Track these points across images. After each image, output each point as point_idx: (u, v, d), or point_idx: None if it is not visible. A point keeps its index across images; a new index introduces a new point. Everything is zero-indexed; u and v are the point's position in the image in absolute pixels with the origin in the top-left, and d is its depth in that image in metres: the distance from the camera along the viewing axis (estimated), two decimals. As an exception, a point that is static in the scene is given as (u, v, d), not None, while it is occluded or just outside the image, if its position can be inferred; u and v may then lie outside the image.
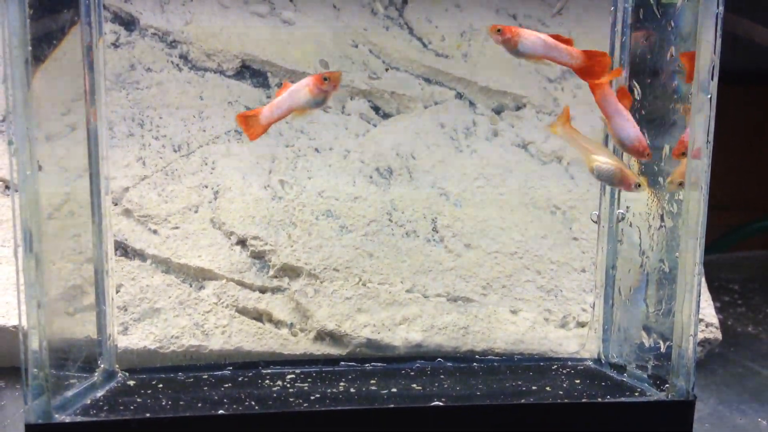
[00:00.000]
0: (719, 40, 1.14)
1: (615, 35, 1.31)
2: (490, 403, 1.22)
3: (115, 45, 1.39)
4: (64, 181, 1.19)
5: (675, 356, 1.21)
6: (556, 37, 1.20)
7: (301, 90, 1.19)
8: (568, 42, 1.20)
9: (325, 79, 1.19)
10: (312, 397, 1.22)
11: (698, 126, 1.16)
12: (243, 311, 1.39)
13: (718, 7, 1.14)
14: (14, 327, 1.31)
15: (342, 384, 1.28)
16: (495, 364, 1.39)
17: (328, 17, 1.43)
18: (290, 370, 1.33)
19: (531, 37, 1.18)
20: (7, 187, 1.44)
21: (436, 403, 1.20)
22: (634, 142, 1.22)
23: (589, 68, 1.22)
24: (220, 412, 1.16)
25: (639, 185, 1.23)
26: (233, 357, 1.37)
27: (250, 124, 1.22)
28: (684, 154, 1.20)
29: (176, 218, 1.39)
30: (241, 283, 1.40)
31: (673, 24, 1.22)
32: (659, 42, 1.25)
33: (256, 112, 1.21)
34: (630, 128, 1.22)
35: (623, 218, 1.34)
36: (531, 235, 1.46)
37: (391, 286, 1.42)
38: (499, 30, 1.17)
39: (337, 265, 1.41)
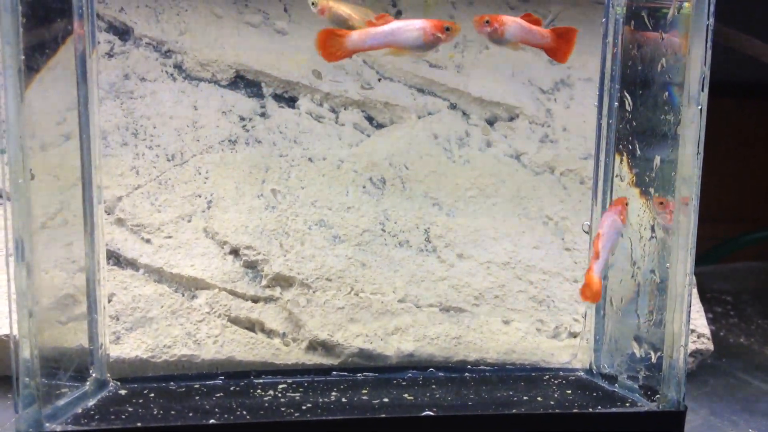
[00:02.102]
0: (710, 52, 1.15)
1: (606, 46, 1.31)
2: (481, 413, 1.22)
3: (110, 54, 1.39)
4: (57, 190, 1.19)
5: (666, 367, 1.21)
6: (527, 17, 1.21)
7: (412, 30, 1.16)
8: (537, 22, 1.21)
9: (447, 29, 1.16)
10: (304, 407, 1.22)
11: (689, 138, 1.17)
12: (235, 321, 1.39)
13: (708, 19, 1.14)
14: (5, 336, 1.31)
15: (334, 394, 1.28)
16: (487, 374, 1.39)
17: (322, 27, 1.43)
18: (282, 380, 1.33)
19: (513, 24, 1.19)
20: None
21: (428, 413, 1.20)
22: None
23: (559, 47, 1.22)
24: (212, 421, 1.16)
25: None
26: (225, 366, 1.37)
27: (331, 44, 1.15)
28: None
29: (169, 227, 1.39)
30: (233, 293, 1.40)
31: (664, 35, 1.23)
32: (650, 53, 1.25)
33: (343, 32, 1.16)
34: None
35: (615, 229, 1.34)
36: (523, 246, 1.46)
37: (384, 295, 1.42)
38: (487, 21, 1.17)
39: (330, 274, 1.41)
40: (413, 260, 1.43)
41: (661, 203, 1.24)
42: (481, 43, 1.45)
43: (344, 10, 1.15)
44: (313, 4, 1.16)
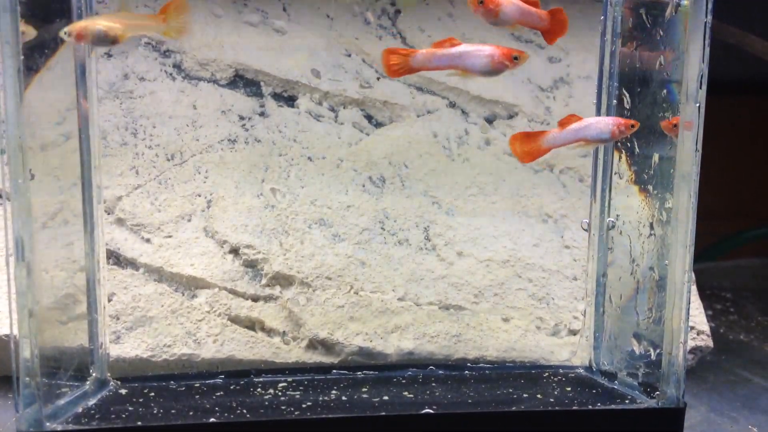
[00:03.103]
0: (708, 49, 1.15)
1: (605, 44, 1.32)
2: (481, 410, 1.22)
3: (109, 54, 1.39)
4: (57, 189, 1.19)
5: (665, 364, 1.22)
6: (526, 0, 1.19)
7: (481, 56, 1.17)
8: (535, 4, 1.19)
9: (515, 57, 1.17)
10: (304, 405, 1.23)
11: (687, 135, 1.17)
12: (235, 320, 1.39)
13: (706, 16, 1.15)
14: (6, 336, 1.31)
15: (334, 392, 1.28)
16: (487, 371, 1.39)
17: (320, 26, 1.43)
18: (282, 379, 1.33)
19: (510, 4, 1.16)
20: None
21: (428, 410, 1.20)
22: None
23: (553, 28, 1.20)
24: (212, 420, 1.16)
25: None
26: (225, 365, 1.37)
27: (395, 61, 1.17)
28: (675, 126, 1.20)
29: (169, 227, 1.39)
30: (233, 292, 1.40)
31: (662, 33, 1.23)
32: (648, 50, 1.26)
33: (408, 51, 1.17)
34: None
35: (613, 226, 1.35)
36: (523, 244, 1.46)
37: (384, 294, 1.42)
38: (481, 1, 1.15)
39: (330, 273, 1.42)
40: (413, 258, 1.44)
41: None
42: (481, 41, 1.45)
43: (102, 23, 1.12)
44: (66, 33, 1.12)
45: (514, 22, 1.18)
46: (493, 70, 1.17)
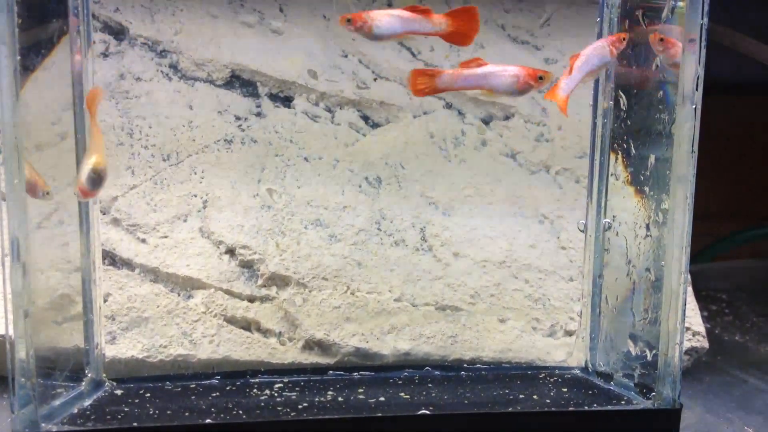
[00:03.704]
0: (704, 51, 1.16)
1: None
2: (477, 411, 1.22)
3: (105, 54, 1.39)
4: (53, 190, 1.19)
5: (661, 364, 1.22)
6: (413, 9, 1.16)
7: (506, 76, 1.17)
8: (426, 12, 1.16)
9: (540, 77, 1.17)
10: (300, 406, 1.23)
11: (683, 136, 1.17)
12: (231, 320, 1.39)
13: (702, 18, 1.15)
14: (1, 336, 1.31)
15: (330, 393, 1.28)
16: (483, 372, 1.39)
17: (317, 27, 1.43)
18: (278, 379, 1.34)
19: (385, 17, 1.14)
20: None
21: (424, 411, 1.20)
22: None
23: (459, 30, 1.17)
24: (208, 421, 1.16)
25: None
26: (221, 366, 1.37)
27: (421, 81, 1.18)
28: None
29: (165, 227, 1.39)
30: (229, 292, 1.40)
31: (659, 49, 1.23)
32: (645, 52, 1.26)
33: (434, 71, 1.18)
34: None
35: (610, 227, 1.35)
36: (519, 244, 1.46)
37: (380, 295, 1.42)
38: (349, 20, 1.13)
39: (326, 274, 1.42)
40: (409, 259, 1.44)
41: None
42: (476, 43, 1.46)
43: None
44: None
45: (400, 34, 1.16)
46: (519, 90, 1.17)
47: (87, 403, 1.22)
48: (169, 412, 1.20)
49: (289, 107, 1.44)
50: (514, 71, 1.17)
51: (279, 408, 1.22)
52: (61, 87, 1.21)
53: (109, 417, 1.17)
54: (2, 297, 1.11)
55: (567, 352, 1.43)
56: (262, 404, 1.23)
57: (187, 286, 1.39)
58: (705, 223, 1.48)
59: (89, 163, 1.14)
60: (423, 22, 1.16)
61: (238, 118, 1.42)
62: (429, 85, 1.19)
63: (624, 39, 1.20)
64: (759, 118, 2.29)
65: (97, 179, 1.14)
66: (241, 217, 1.40)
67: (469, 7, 1.19)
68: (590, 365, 1.39)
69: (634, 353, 1.29)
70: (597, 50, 1.20)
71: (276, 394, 1.28)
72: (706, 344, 1.48)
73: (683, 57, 1.16)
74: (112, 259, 1.38)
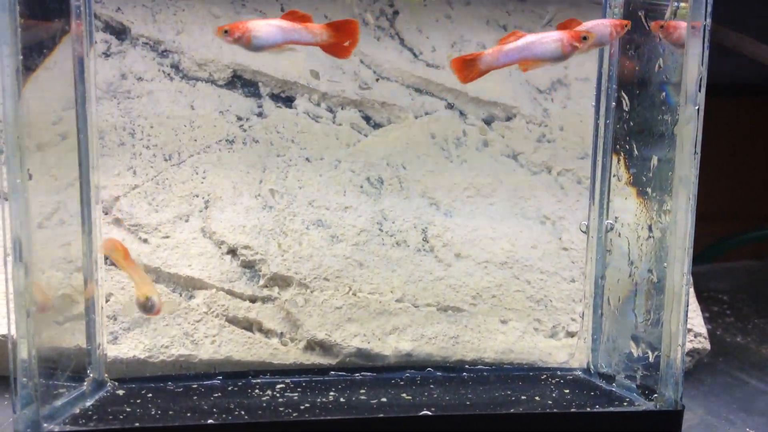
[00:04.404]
0: (707, 52, 1.16)
1: (603, 47, 1.32)
2: (479, 412, 1.22)
3: (106, 54, 1.39)
4: (55, 190, 1.19)
5: (663, 366, 1.22)
6: (292, 15, 1.13)
7: (549, 42, 1.15)
8: (306, 18, 1.14)
9: (584, 38, 1.15)
10: (302, 407, 1.23)
11: (686, 137, 1.17)
12: (233, 321, 1.39)
13: (705, 20, 1.15)
14: (3, 336, 1.31)
15: (332, 393, 1.28)
16: (485, 373, 1.39)
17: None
18: (280, 380, 1.33)
19: (264, 27, 1.11)
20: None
21: (426, 412, 1.20)
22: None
23: (338, 42, 1.15)
24: (210, 421, 1.16)
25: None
26: (223, 366, 1.37)
27: (465, 68, 1.17)
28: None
29: (166, 227, 1.39)
30: (231, 293, 1.40)
31: (661, 36, 1.23)
32: (647, 53, 1.26)
33: (475, 55, 1.16)
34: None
35: (612, 228, 1.35)
36: (521, 245, 1.46)
37: (382, 295, 1.42)
38: (226, 31, 1.10)
39: (328, 274, 1.41)
40: (411, 260, 1.44)
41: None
42: (478, 43, 1.46)
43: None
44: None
45: (280, 44, 1.13)
46: (564, 54, 1.15)
47: (89, 403, 1.22)
48: (171, 412, 1.20)
49: (290, 107, 1.44)
50: (556, 36, 1.16)
51: (281, 408, 1.22)
52: (63, 86, 1.21)
53: (111, 417, 1.17)
54: (4, 297, 1.11)
55: (569, 354, 1.43)
56: (264, 405, 1.23)
57: (188, 286, 1.39)
58: (705, 224, 1.48)
59: (140, 297, 1.22)
60: (303, 33, 1.14)
61: (239, 119, 1.42)
62: (473, 69, 1.17)
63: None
64: (760, 120, 2.29)
65: (150, 306, 1.21)
66: (242, 217, 1.40)
67: (350, 19, 1.17)
68: (592, 366, 1.39)
69: (636, 354, 1.29)
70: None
71: (278, 395, 1.27)
72: (707, 345, 1.48)
73: (686, 55, 1.16)
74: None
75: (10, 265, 1.08)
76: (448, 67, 1.45)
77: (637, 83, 1.28)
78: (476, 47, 1.45)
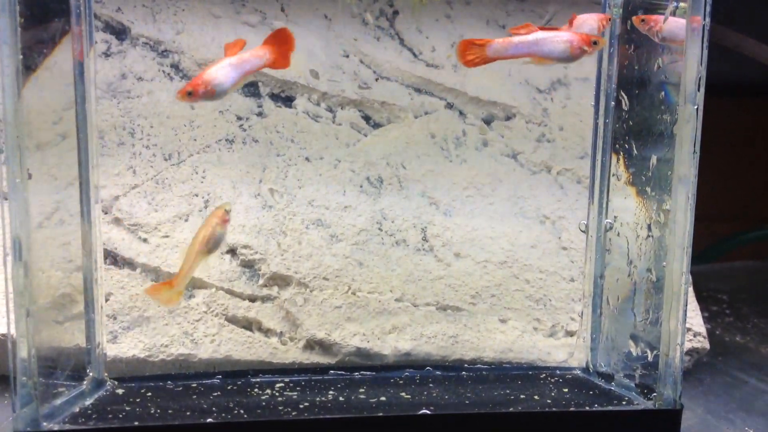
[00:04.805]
0: (706, 52, 1.16)
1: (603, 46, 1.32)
2: (478, 411, 1.22)
3: (106, 54, 1.39)
4: (54, 189, 1.19)
5: (662, 365, 1.22)
6: (231, 48, 1.13)
7: (559, 42, 1.15)
8: (239, 44, 1.13)
9: (594, 42, 1.16)
10: (301, 406, 1.23)
11: (685, 137, 1.17)
12: (232, 320, 1.39)
13: (704, 19, 1.15)
14: (3, 335, 1.31)
15: (331, 392, 1.28)
16: (484, 372, 1.39)
17: (319, 27, 1.43)
18: (279, 379, 1.33)
19: (219, 73, 1.11)
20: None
21: (425, 411, 1.20)
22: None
23: (279, 56, 1.15)
24: (209, 420, 1.16)
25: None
26: (222, 366, 1.37)
27: (471, 52, 1.17)
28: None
29: (166, 227, 1.39)
30: (230, 292, 1.40)
31: (642, 30, 1.23)
32: (646, 53, 1.26)
33: (484, 41, 1.16)
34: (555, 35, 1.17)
35: (611, 228, 1.35)
36: (520, 245, 1.46)
37: (381, 295, 1.42)
38: (190, 93, 1.10)
39: (327, 274, 1.42)
40: (410, 259, 1.44)
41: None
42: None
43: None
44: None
45: (238, 83, 1.14)
46: (572, 56, 1.15)
47: (88, 402, 1.22)
48: (170, 411, 1.20)
49: (290, 107, 1.44)
50: (566, 36, 1.16)
51: (280, 407, 1.22)
52: (63, 86, 1.21)
53: (110, 416, 1.17)
54: (4, 296, 1.11)
55: (568, 353, 1.43)
56: (264, 404, 1.23)
57: (188, 285, 1.39)
58: (705, 224, 1.48)
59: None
60: (252, 60, 1.14)
61: (239, 118, 1.42)
62: (479, 55, 1.17)
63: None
64: (760, 120, 2.29)
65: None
66: (242, 216, 1.40)
67: (280, 29, 1.17)
68: (591, 366, 1.39)
69: (635, 354, 1.29)
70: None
71: (277, 394, 1.27)
72: (707, 345, 1.48)
73: (685, 55, 1.16)
74: (113, 258, 1.38)
75: (9, 265, 1.08)
76: (448, 67, 1.46)
77: (636, 83, 1.28)
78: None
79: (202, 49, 1.41)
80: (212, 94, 1.11)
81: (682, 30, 1.14)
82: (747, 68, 1.94)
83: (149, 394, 1.26)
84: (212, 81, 1.10)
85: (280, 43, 1.16)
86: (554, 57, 1.17)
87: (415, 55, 1.46)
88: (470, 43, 1.18)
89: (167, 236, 1.39)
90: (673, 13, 1.21)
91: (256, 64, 1.14)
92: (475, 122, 1.48)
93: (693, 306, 1.49)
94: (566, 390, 1.32)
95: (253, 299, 1.41)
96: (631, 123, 1.30)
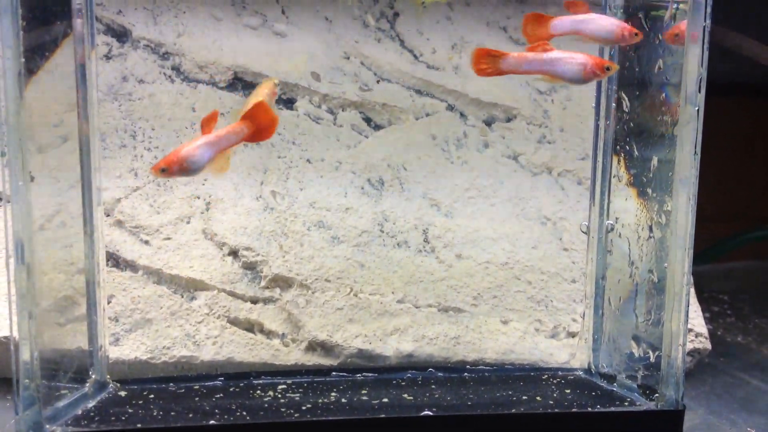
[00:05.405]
0: (707, 53, 1.16)
1: (603, 48, 1.32)
2: (480, 412, 1.22)
3: (108, 57, 1.39)
4: (56, 191, 1.19)
5: (664, 366, 1.22)
6: (206, 124, 1.15)
7: (573, 63, 1.16)
8: (214, 117, 1.15)
9: (607, 68, 1.17)
10: (303, 408, 1.23)
11: (686, 138, 1.17)
12: (234, 322, 1.39)
13: (705, 20, 1.15)
14: (5, 338, 1.31)
15: (333, 394, 1.28)
16: (486, 374, 1.39)
17: (320, 29, 1.44)
18: (282, 381, 1.34)
19: (195, 152, 1.12)
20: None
21: (427, 412, 1.20)
22: (616, 27, 1.18)
23: (258, 129, 1.17)
24: (212, 422, 1.16)
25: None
26: (225, 367, 1.37)
27: (485, 62, 1.18)
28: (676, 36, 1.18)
29: (168, 229, 1.39)
30: (232, 294, 1.40)
31: (661, 37, 1.24)
32: (647, 54, 1.26)
33: (499, 53, 1.17)
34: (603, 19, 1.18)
35: (612, 229, 1.35)
36: (521, 246, 1.46)
37: (383, 296, 1.43)
38: (163, 170, 1.11)
39: (329, 275, 1.42)
40: (412, 261, 1.44)
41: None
42: (479, 45, 1.46)
43: None
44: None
45: (215, 160, 1.15)
46: (584, 79, 1.17)
47: (91, 404, 1.23)
48: (172, 413, 1.20)
49: (291, 109, 1.44)
50: (581, 59, 1.17)
51: (282, 409, 1.22)
52: (64, 89, 1.21)
53: (113, 418, 1.18)
54: (6, 298, 1.11)
55: (570, 354, 1.44)
56: (266, 405, 1.23)
57: (190, 287, 1.39)
58: (706, 224, 1.48)
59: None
60: (229, 137, 1.15)
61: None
62: (493, 66, 1.18)
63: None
64: (760, 120, 2.29)
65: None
66: (244, 218, 1.41)
67: (258, 103, 1.18)
68: (593, 366, 1.39)
69: (637, 354, 1.29)
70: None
71: (279, 396, 1.28)
72: (708, 345, 1.48)
73: (686, 56, 1.16)
74: (115, 260, 1.38)
75: (12, 267, 1.08)
76: (449, 69, 1.46)
77: (637, 84, 1.29)
78: (476, 48, 1.46)
79: (203, 51, 1.41)
80: (186, 171, 1.12)
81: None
82: (747, 68, 1.94)
83: (152, 396, 1.26)
84: (187, 158, 1.12)
85: (260, 117, 1.17)
86: (567, 78, 1.18)
87: (415, 57, 1.46)
88: (486, 53, 1.19)
89: (169, 238, 1.39)
90: (674, 16, 1.21)
91: (232, 140, 1.16)
92: (476, 124, 1.48)
93: (694, 307, 1.49)
94: (568, 391, 1.32)
95: (254, 301, 1.41)
96: (631, 124, 1.30)
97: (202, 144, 1.13)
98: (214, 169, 1.15)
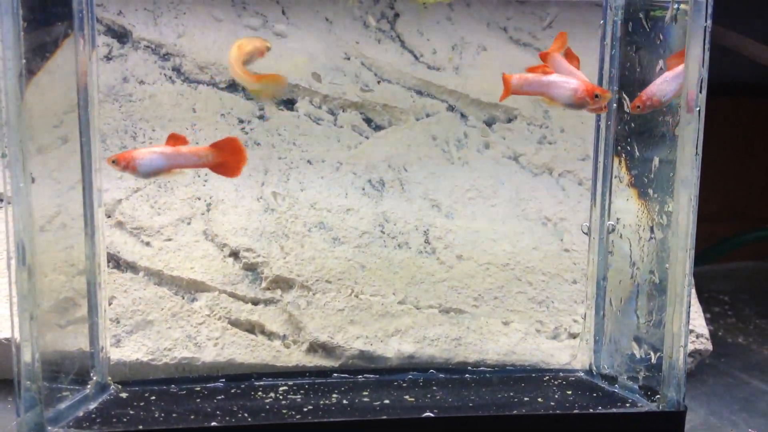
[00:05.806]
0: (707, 54, 1.16)
1: (604, 49, 1.32)
2: (482, 414, 1.22)
3: (108, 57, 1.39)
4: (57, 193, 1.19)
5: (666, 367, 1.22)
6: (173, 139, 1.18)
7: (566, 88, 1.20)
8: (182, 141, 1.18)
9: (597, 96, 1.20)
10: (305, 409, 1.23)
11: (687, 139, 1.17)
12: (235, 323, 1.39)
13: (706, 21, 1.15)
14: (6, 339, 1.31)
15: (335, 395, 1.28)
16: (487, 375, 1.39)
17: (320, 30, 1.43)
18: (283, 382, 1.34)
19: (148, 155, 1.17)
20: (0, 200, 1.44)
21: (428, 414, 1.20)
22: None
23: (224, 161, 1.20)
24: (213, 424, 1.16)
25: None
26: (226, 369, 1.37)
27: (505, 84, 1.23)
28: (638, 107, 1.20)
29: (169, 230, 1.39)
30: (233, 295, 1.40)
31: (661, 37, 1.24)
32: (648, 55, 1.26)
33: (508, 77, 1.22)
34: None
35: (613, 230, 1.35)
36: (522, 247, 1.46)
37: (384, 297, 1.42)
38: (114, 161, 1.17)
39: (330, 276, 1.42)
40: (413, 262, 1.44)
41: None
42: (479, 45, 1.46)
43: None
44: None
45: (166, 170, 1.18)
46: (576, 104, 1.21)
47: (92, 406, 1.23)
48: (174, 415, 1.20)
49: (292, 110, 1.44)
50: (573, 85, 1.21)
51: (284, 411, 1.22)
52: (64, 89, 1.21)
53: (114, 420, 1.17)
54: (8, 300, 1.11)
55: (571, 355, 1.43)
56: (267, 407, 1.23)
57: (191, 288, 1.39)
58: (706, 225, 1.48)
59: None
60: (188, 156, 1.19)
61: (241, 121, 1.42)
62: (507, 88, 1.24)
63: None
64: (760, 120, 2.29)
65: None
66: (244, 219, 1.41)
67: (231, 138, 1.23)
68: (594, 368, 1.39)
69: (638, 356, 1.29)
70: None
71: (281, 397, 1.28)
72: (709, 346, 1.48)
73: (686, 56, 1.16)
74: (116, 262, 1.38)
75: (13, 269, 1.08)
76: (449, 69, 1.46)
77: (638, 84, 1.28)
78: (477, 49, 1.46)
79: (204, 52, 1.41)
80: (133, 170, 1.17)
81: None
82: (746, 68, 1.95)
83: (153, 397, 1.26)
84: (136, 160, 1.17)
85: (230, 152, 1.20)
86: (561, 101, 1.22)
87: (416, 58, 1.46)
88: (508, 78, 1.24)
89: (170, 239, 1.39)
90: (675, 16, 1.21)
91: (191, 160, 1.20)
92: (476, 124, 1.48)
93: (695, 308, 1.49)
94: (570, 392, 1.32)
95: (255, 302, 1.41)
96: (632, 125, 1.30)
97: (157, 153, 1.18)
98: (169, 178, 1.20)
